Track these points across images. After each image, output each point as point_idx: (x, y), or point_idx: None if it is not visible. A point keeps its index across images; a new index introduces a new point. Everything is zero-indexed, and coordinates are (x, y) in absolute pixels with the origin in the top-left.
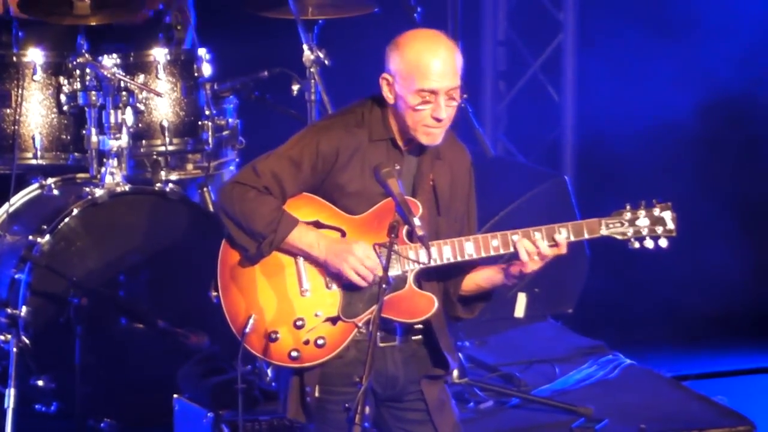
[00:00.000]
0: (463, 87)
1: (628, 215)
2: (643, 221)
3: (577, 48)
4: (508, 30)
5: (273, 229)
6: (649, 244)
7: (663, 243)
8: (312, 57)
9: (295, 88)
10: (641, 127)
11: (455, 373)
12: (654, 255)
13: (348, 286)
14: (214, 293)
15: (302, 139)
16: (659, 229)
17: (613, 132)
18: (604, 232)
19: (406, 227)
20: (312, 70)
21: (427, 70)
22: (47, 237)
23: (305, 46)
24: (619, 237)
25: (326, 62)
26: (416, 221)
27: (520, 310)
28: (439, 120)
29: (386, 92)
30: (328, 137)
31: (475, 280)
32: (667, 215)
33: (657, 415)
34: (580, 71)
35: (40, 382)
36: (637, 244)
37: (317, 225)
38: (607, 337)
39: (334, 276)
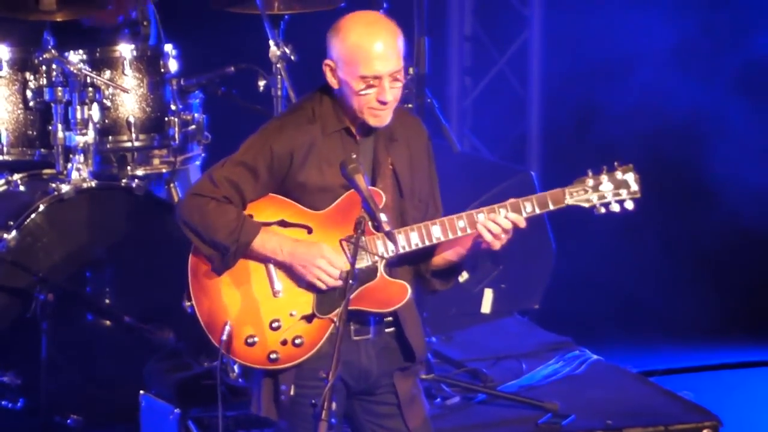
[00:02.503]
0: (406, 67)
1: (590, 182)
2: (606, 186)
3: (542, 44)
4: (474, 25)
5: (235, 238)
6: (615, 208)
7: (629, 205)
8: (278, 52)
9: (262, 83)
10: (607, 124)
11: None
12: (621, 249)
13: None
14: (188, 303)
15: (255, 143)
16: (623, 192)
17: (578, 128)
18: (569, 201)
19: (369, 220)
20: (278, 65)
21: (369, 55)
22: (13, 233)
23: (271, 42)
24: (584, 205)
25: (292, 58)
26: (383, 217)
27: (486, 306)
28: (384, 103)
29: (330, 78)
30: (280, 138)
31: (443, 256)
32: (630, 177)
33: (623, 411)
34: (545, 67)
35: (6, 379)
36: (603, 210)
37: (283, 224)
38: (573, 333)
39: (300, 279)
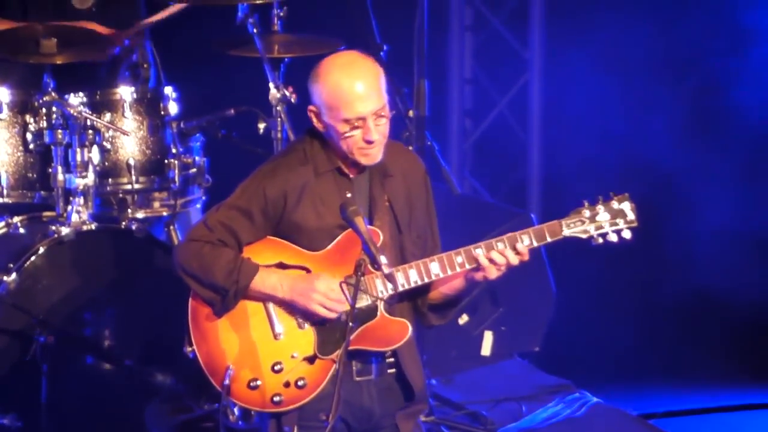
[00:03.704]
0: (391, 102)
1: (587, 212)
2: (603, 216)
3: (543, 86)
4: (474, 68)
5: (234, 280)
6: (612, 237)
7: (626, 235)
8: (278, 95)
9: (262, 126)
10: (607, 166)
11: None
12: (621, 292)
13: (321, 324)
14: (189, 348)
15: (248, 187)
16: (621, 222)
17: (579, 170)
18: (566, 232)
19: (369, 262)
20: (278, 108)
21: (350, 98)
22: (13, 275)
23: (271, 84)
24: (582, 236)
25: (292, 100)
26: (383, 259)
27: (486, 348)
28: (371, 142)
29: (316, 123)
30: (272, 182)
31: (440, 291)
32: (627, 206)
33: None
34: (546, 109)
35: (6, 421)
36: (600, 240)
37: (281, 266)
38: (573, 376)
39: (303, 314)
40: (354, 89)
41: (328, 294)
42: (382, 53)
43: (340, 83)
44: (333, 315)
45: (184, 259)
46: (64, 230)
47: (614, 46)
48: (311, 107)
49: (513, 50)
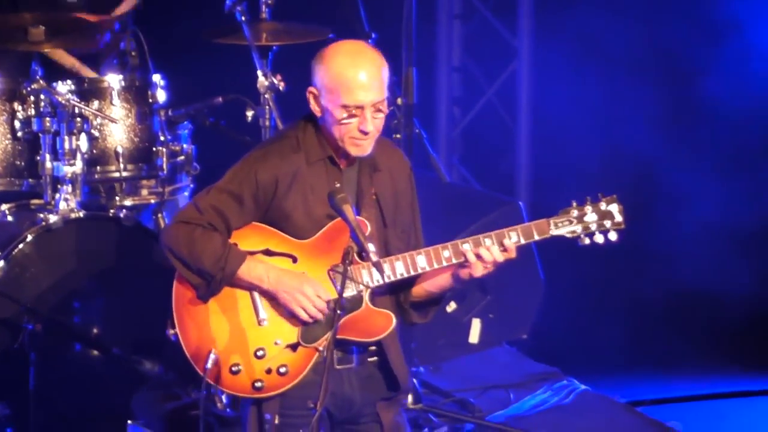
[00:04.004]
0: (391, 98)
1: (575, 212)
2: (591, 216)
3: (531, 74)
4: (462, 56)
5: (221, 266)
6: (599, 239)
7: (612, 236)
8: (266, 83)
9: (250, 114)
10: (596, 153)
11: (410, 398)
12: (609, 280)
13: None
14: (172, 331)
15: (240, 171)
16: (608, 223)
17: (567, 158)
18: (554, 231)
19: (357, 250)
20: (266, 96)
21: (352, 85)
22: (1, 263)
23: (259, 72)
24: (568, 235)
25: (280, 88)
26: (371, 247)
27: (474, 336)
28: (365, 133)
29: (313, 105)
30: (264, 167)
31: (424, 287)
32: (614, 208)
33: None
34: (534, 97)
35: None
36: (587, 240)
37: (267, 253)
38: (561, 363)
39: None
40: (357, 77)
41: (313, 300)
42: (370, 41)
43: (345, 68)
44: (309, 320)
45: (174, 242)
46: (52, 218)
47: (602, 35)
48: (311, 89)
49: (501, 38)
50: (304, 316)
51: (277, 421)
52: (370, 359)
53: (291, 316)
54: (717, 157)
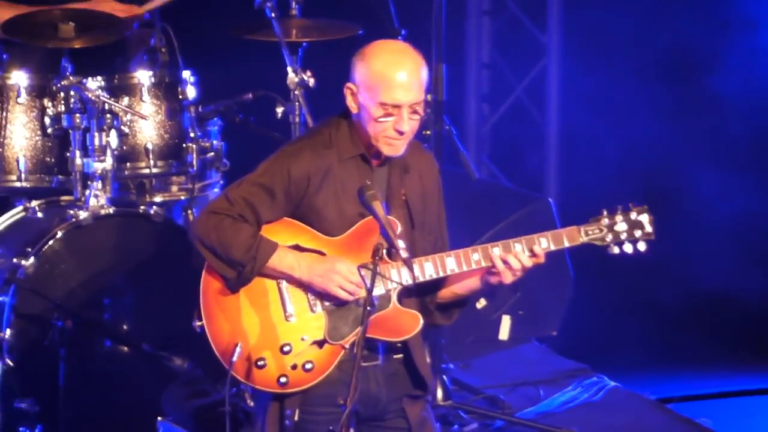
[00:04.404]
0: (426, 101)
1: (605, 221)
2: (621, 226)
3: (561, 71)
4: (492, 52)
5: (252, 255)
6: (628, 248)
7: (642, 247)
8: (296, 79)
9: (279, 110)
10: (624, 150)
11: (439, 394)
12: (639, 276)
13: (332, 309)
14: (198, 323)
15: (273, 165)
16: (638, 233)
17: (596, 155)
18: (583, 239)
19: (386, 247)
20: (296, 92)
21: (392, 83)
22: (31, 259)
23: (289, 69)
24: (598, 243)
25: (310, 84)
26: (401, 244)
27: (504, 333)
28: (401, 133)
29: (350, 102)
30: (297, 162)
31: (451, 288)
32: (645, 218)
33: None
34: (563, 94)
35: (24, 405)
36: (616, 249)
37: (297, 249)
38: (591, 360)
39: (319, 296)
40: (397, 75)
41: (348, 276)
42: (399, 37)
43: (385, 67)
44: (351, 298)
45: (203, 231)
46: (82, 214)
47: (631, 32)
48: (349, 84)
49: (531, 35)
50: (343, 294)
51: (297, 418)
52: (395, 356)
53: (321, 310)
54: (740, 155)
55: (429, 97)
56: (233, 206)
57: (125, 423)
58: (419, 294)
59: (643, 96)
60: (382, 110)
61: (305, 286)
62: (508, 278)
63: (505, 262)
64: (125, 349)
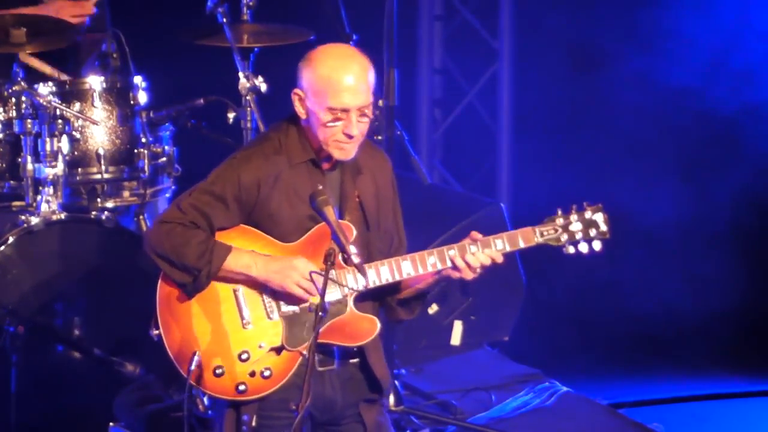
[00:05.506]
0: (375, 102)
1: (560, 221)
2: (576, 225)
3: (512, 76)
4: (443, 57)
5: (207, 259)
6: (583, 248)
7: (597, 246)
8: (248, 85)
9: (231, 115)
10: (577, 157)
11: (391, 400)
12: (593, 282)
13: (289, 315)
14: (155, 332)
15: (223, 172)
16: (593, 232)
17: (548, 160)
18: (539, 240)
19: (339, 252)
20: (248, 97)
21: (339, 88)
22: None
23: (241, 74)
24: (553, 244)
25: (262, 90)
26: (352, 249)
27: (456, 338)
28: (350, 136)
29: (298, 107)
30: (247, 168)
31: (410, 284)
32: (599, 217)
33: None
34: (515, 99)
35: None
36: (572, 249)
37: None
38: (543, 365)
39: (276, 297)
40: (344, 80)
41: (305, 273)
42: (351, 42)
43: (332, 71)
44: (307, 296)
45: (156, 241)
46: (34, 220)
47: (582, 36)
48: (297, 90)
49: (483, 40)
50: (299, 291)
51: (254, 423)
52: (351, 361)
53: (278, 317)
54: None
55: (381, 102)
56: (185, 215)
57: (78, 428)
58: (379, 292)
59: (596, 100)
60: (331, 115)
61: (262, 287)
62: (468, 276)
63: (465, 263)
64: (77, 354)
